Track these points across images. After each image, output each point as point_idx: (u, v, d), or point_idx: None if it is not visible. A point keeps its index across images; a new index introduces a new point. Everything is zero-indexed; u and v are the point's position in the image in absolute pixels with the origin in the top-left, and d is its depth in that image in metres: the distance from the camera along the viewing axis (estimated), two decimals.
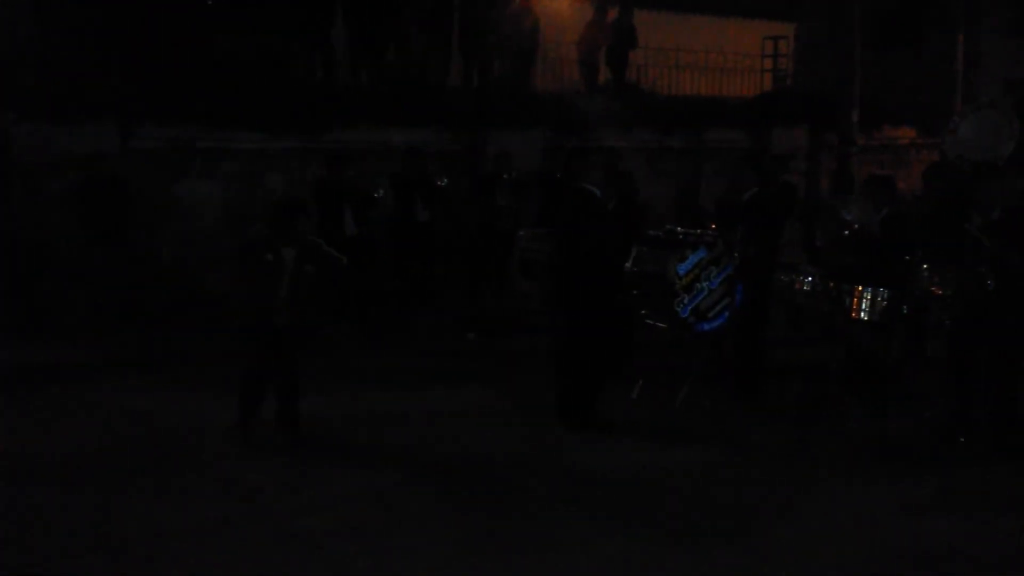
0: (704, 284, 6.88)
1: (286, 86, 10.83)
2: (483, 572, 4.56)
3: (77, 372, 7.78)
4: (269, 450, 5.99)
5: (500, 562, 4.62)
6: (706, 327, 6.95)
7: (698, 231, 7.27)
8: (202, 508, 5.16)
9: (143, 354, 8.34)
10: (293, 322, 6.00)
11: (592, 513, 5.13)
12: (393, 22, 11.81)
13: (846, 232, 6.30)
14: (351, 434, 6.40)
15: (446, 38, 12.21)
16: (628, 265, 6.97)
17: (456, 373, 7.95)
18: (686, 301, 6.86)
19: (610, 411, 6.53)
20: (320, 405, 6.50)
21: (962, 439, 6.06)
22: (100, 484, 5.49)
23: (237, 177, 10.39)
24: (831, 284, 6.37)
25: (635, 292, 7.00)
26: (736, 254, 6.89)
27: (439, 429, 6.52)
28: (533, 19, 12.68)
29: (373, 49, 11.77)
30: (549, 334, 7.21)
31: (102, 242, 9.04)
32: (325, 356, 7.79)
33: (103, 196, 9.00)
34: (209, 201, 10.25)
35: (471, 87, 12.33)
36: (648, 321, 7.17)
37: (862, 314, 6.30)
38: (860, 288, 6.29)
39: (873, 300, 6.26)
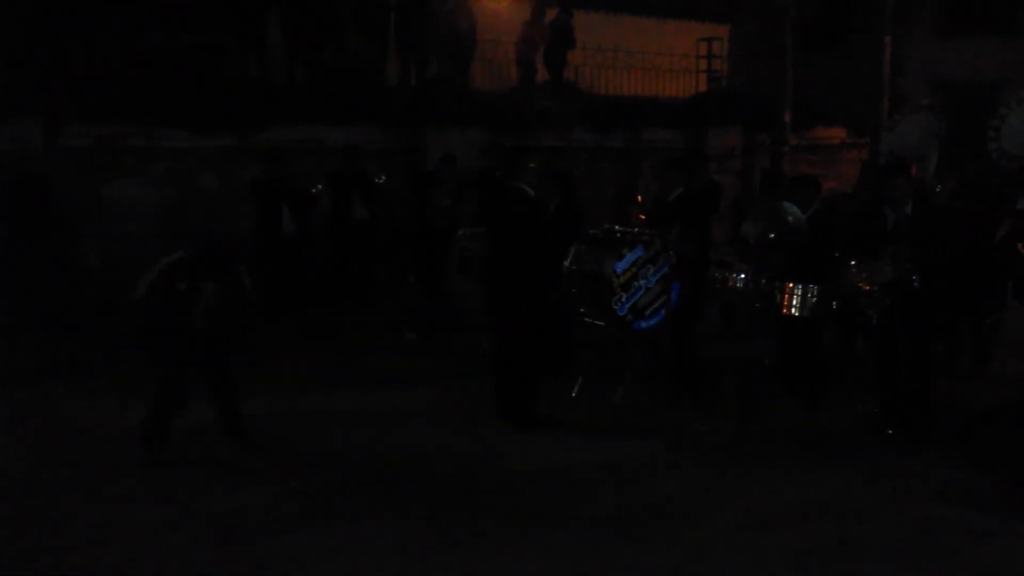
0: (641, 282, 6.96)
1: (219, 84, 10.64)
2: (420, 571, 4.54)
3: (3, 377, 7.55)
4: (203, 453, 5.88)
5: (437, 561, 4.60)
6: (644, 325, 7.03)
7: (635, 229, 7.34)
8: (139, 512, 5.07)
9: (70, 359, 8.11)
10: (216, 326, 5.76)
11: (533, 511, 5.14)
12: (329, 19, 11.69)
13: (771, 235, 6.42)
14: (289, 436, 6.32)
15: (383, 36, 12.13)
16: (567, 264, 7.01)
17: (395, 373, 7.90)
18: (624, 299, 6.93)
19: (551, 409, 6.56)
20: (258, 407, 6.40)
21: (890, 431, 6.21)
22: (33, 491, 5.35)
23: (168, 177, 10.16)
24: (763, 281, 6.48)
25: (574, 291, 7.05)
26: (672, 252, 6.98)
27: (378, 430, 6.47)
28: (471, 18, 12.67)
29: (309, 47, 11.64)
30: (488, 334, 7.20)
31: (26, 243, 8.76)
32: (264, 357, 7.67)
33: (26, 196, 8.73)
34: (140, 201, 10.01)
35: (409, 86, 12.28)
36: (587, 319, 7.21)
37: (793, 310, 6.42)
38: (791, 284, 6.41)
39: (804, 296, 6.39)
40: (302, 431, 6.41)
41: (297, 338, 8.90)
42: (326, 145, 10.50)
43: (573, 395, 7.05)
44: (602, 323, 7.13)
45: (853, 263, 5.91)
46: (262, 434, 6.16)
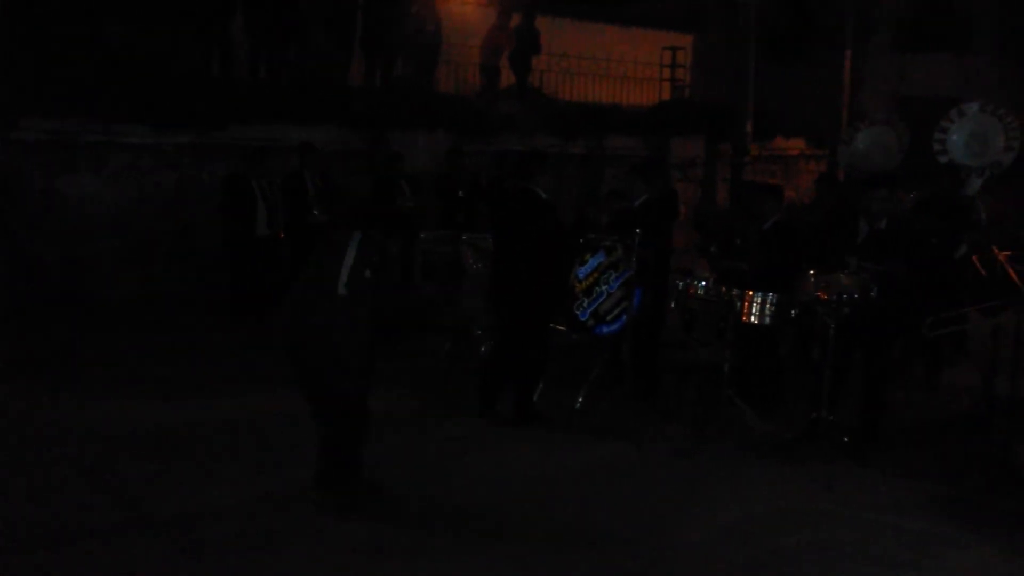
0: (603, 288, 6.97)
1: (181, 80, 10.49)
2: None
3: None
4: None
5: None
6: (605, 330, 7.04)
7: (594, 236, 7.35)
8: (88, 512, 4.98)
9: (22, 354, 7.94)
10: None
11: (492, 521, 5.09)
12: (294, 18, 11.60)
13: (737, 240, 6.46)
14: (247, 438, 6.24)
15: (349, 36, 12.06)
16: None
17: None
18: (586, 304, 6.94)
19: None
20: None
21: (845, 439, 6.23)
22: None
23: (125, 172, 10.01)
24: (723, 288, 6.52)
25: None
26: (633, 258, 6.99)
27: None
28: (436, 21, 12.65)
29: (273, 45, 11.53)
30: (450, 336, 7.11)
31: None
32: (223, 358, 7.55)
33: None
34: (96, 198, 9.85)
35: (373, 87, 12.21)
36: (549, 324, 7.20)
37: (752, 318, 6.47)
38: (751, 292, 6.46)
39: (763, 304, 6.44)
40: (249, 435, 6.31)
41: (257, 339, 8.77)
42: (287, 144, 10.41)
43: (534, 400, 7.03)
44: (564, 328, 7.13)
45: (812, 272, 5.97)
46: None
